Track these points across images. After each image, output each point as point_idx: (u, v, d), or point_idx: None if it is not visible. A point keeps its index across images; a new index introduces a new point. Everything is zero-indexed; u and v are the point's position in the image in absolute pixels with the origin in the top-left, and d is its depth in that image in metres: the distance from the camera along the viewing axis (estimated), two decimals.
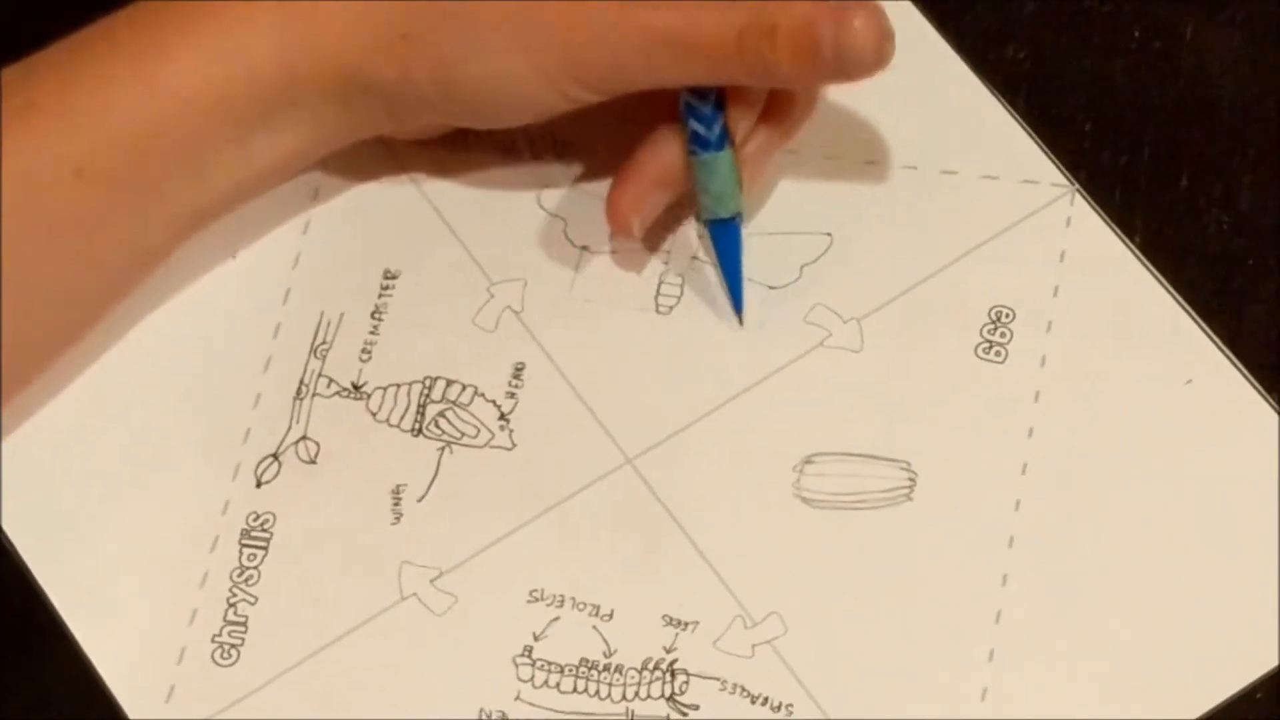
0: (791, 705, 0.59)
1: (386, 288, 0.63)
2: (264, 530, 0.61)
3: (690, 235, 0.64)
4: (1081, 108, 0.66)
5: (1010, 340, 0.63)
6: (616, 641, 0.59)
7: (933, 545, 0.60)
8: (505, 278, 0.63)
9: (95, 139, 0.57)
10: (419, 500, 0.61)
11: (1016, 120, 0.65)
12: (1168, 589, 0.60)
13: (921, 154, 0.65)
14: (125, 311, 0.62)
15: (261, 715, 0.59)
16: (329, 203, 0.64)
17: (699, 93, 0.60)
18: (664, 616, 0.59)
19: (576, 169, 0.65)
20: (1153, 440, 0.61)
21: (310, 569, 0.60)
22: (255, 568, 0.60)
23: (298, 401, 0.62)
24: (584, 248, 0.64)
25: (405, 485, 0.61)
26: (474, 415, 0.62)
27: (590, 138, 0.64)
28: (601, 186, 0.63)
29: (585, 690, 0.59)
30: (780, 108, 0.61)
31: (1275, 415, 0.62)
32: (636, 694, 0.59)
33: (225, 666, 0.59)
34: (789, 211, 0.64)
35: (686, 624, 0.59)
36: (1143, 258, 0.63)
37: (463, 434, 0.62)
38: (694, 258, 0.64)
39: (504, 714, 0.58)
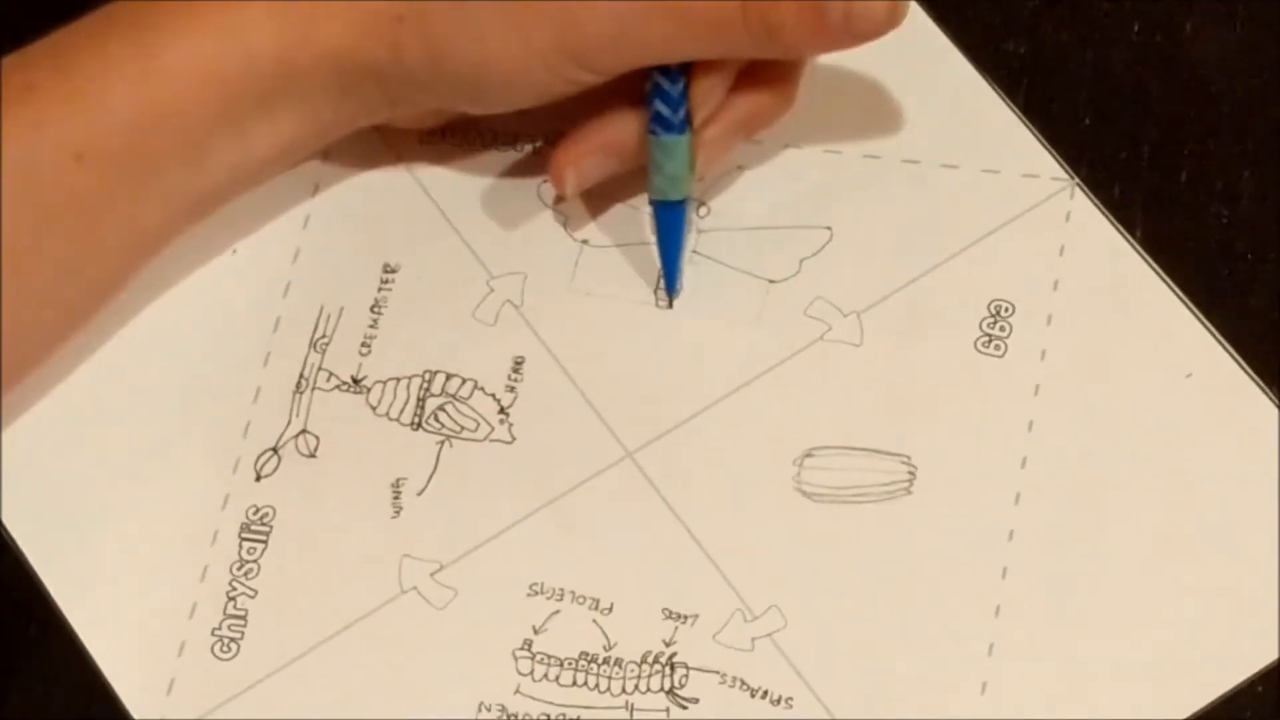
0: (791, 699, 0.59)
1: (386, 282, 0.63)
2: (264, 524, 0.61)
3: (690, 231, 0.64)
4: (1082, 102, 0.66)
5: (1010, 334, 0.63)
6: (616, 635, 0.59)
7: (932, 539, 0.60)
8: (505, 271, 0.63)
9: (94, 123, 0.57)
10: (419, 494, 0.61)
11: (1017, 114, 0.65)
12: (1167, 583, 0.60)
13: (922, 148, 0.65)
14: (125, 305, 0.62)
15: (262, 709, 0.59)
16: (328, 197, 0.64)
17: (668, 74, 0.59)
18: (664, 610, 0.59)
19: None
20: (1152, 434, 0.61)
21: (310, 563, 0.60)
22: (255, 561, 0.60)
23: (297, 395, 0.62)
24: (584, 241, 0.64)
25: (405, 479, 0.61)
26: (474, 409, 0.62)
27: None
28: (602, 182, 0.63)
29: (585, 683, 0.59)
30: (750, 99, 0.61)
31: (1275, 409, 0.62)
32: (636, 687, 0.59)
33: (225, 660, 0.59)
34: (788, 205, 0.64)
35: (686, 617, 0.59)
36: (1143, 252, 0.63)
37: (462, 427, 0.62)
38: (694, 252, 0.64)
39: (504, 707, 0.58)
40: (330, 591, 0.60)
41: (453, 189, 0.64)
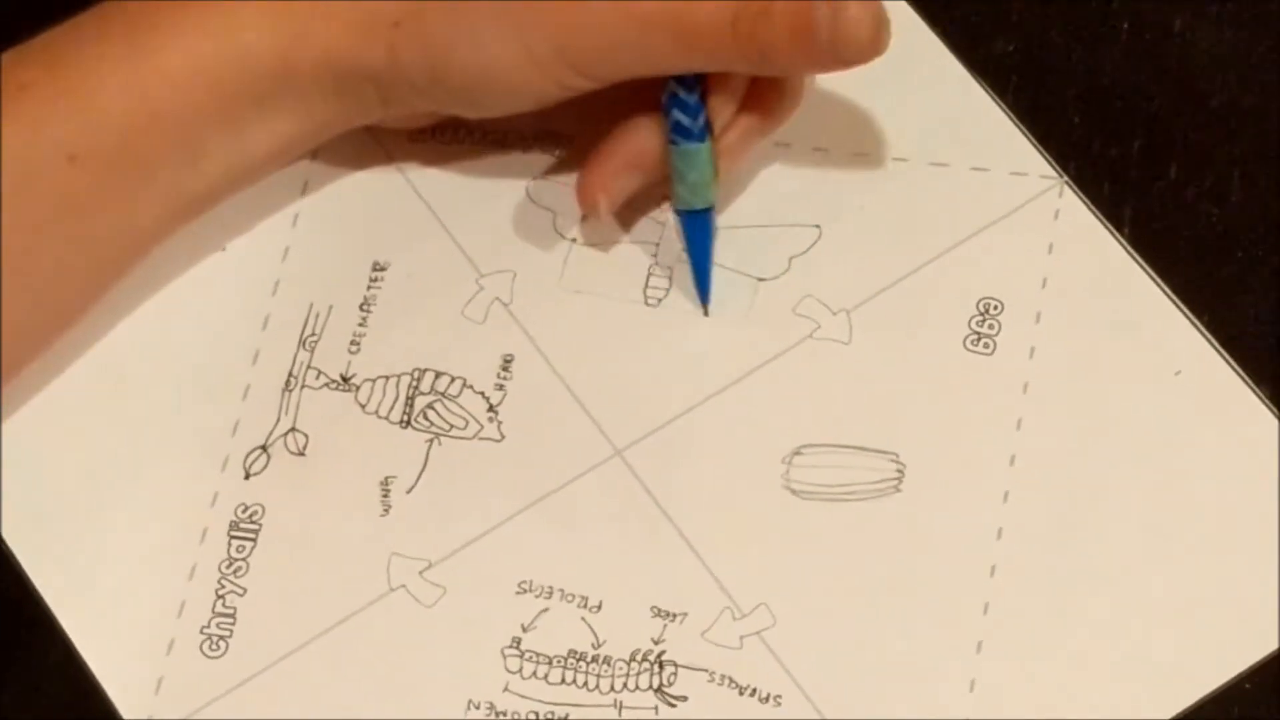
0: (780, 696, 0.59)
1: (375, 280, 0.63)
2: (253, 522, 0.61)
3: (678, 227, 0.64)
4: (1070, 100, 0.66)
5: (999, 332, 0.63)
6: (605, 633, 0.59)
7: (921, 537, 0.60)
8: (494, 269, 0.63)
9: (88, 123, 0.57)
10: (408, 492, 0.61)
11: (1005, 113, 0.65)
12: (1155, 580, 0.60)
13: (911, 146, 0.65)
14: (115, 303, 0.62)
15: (250, 707, 0.59)
16: (318, 195, 0.64)
17: (685, 83, 0.60)
18: (652, 608, 0.59)
19: (566, 161, 0.65)
20: (1141, 431, 0.61)
21: (299, 561, 0.60)
22: (244, 559, 0.60)
23: (286, 393, 0.62)
24: (573, 240, 0.64)
25: (394, 477, 0.61)
26: (463, 407, 0.62)
27: (581, 130, 0.64)
28: None
29: (574, 681, 0.59)
30: (764, 100, 0.61)
31: (1263, 407, 0.62)
32: (625, 685, 0.59)
33: (214, 658, 0.59)
34: (778, 203, 0.64)
35: (675, 615, 0.59)
36: (1131, 250, 0.64)
37: (451, 425, 0.62)
38: (683, 250, 0.64)
39: (492, 705, 0.58)
40: (319, 589, 0.60)
41: (442, 187, 0.64)
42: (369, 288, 0.63)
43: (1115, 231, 0.64)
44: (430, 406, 0.62)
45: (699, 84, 0.60)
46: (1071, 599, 0.59)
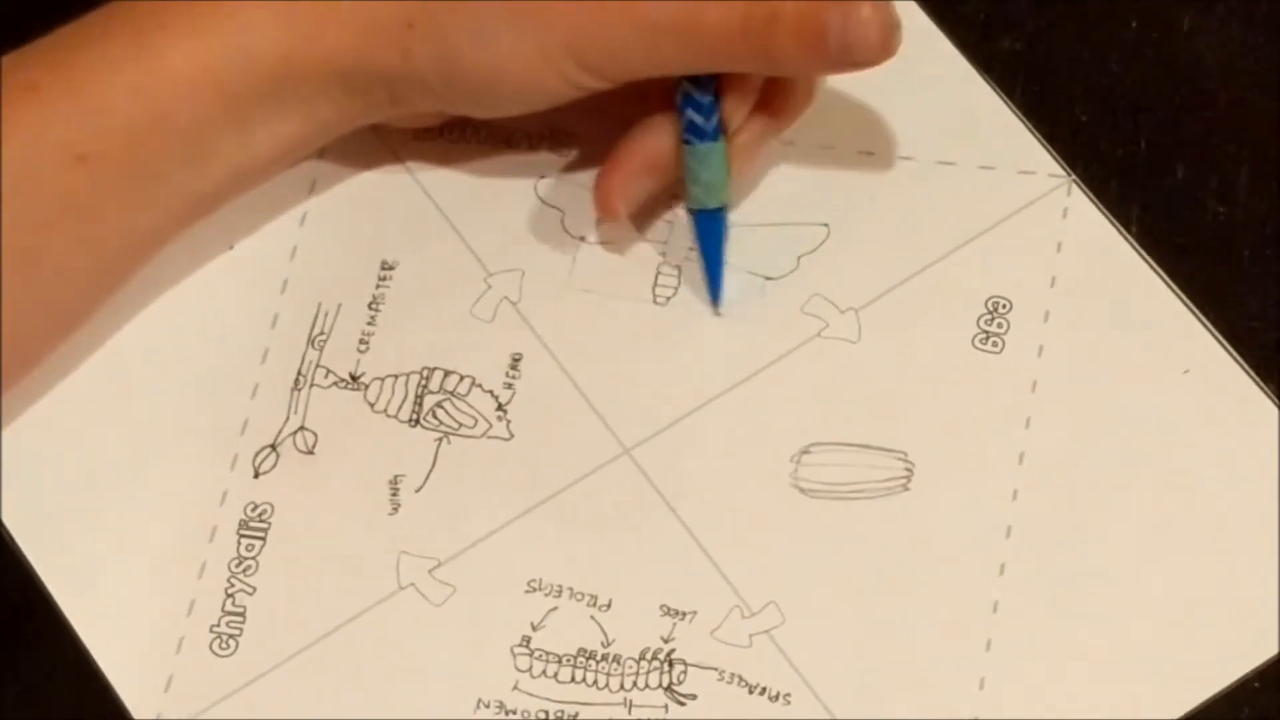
0: (789, 695, 0.59)
1: (384, 279, 0.63)
2: (262, 521, 0.61)
3: (687, 226, 0.64)
4: (1078, 99, 0.66)
5: (1007, 331, 0.63)
6: (614, 631, 0.59)
7: (930, 535, 0.60)
8: (502, 268, 0.63)
9: (96, 124, 0.57)
10: (417, 491, 0.61)
11: (1013, 111, 0.65)
12: (1164, 578, 0.60)
13: (918, 145, 0.65)
14: (124, 303, 0.62)
15: (260, 706, 0.59)
16: (326, 194, 0.64)
17: (698, 83, 0.60)
18: (662, 606, 0.60)
19: (573, 160, 0.65)
20: (1149, 430, 0.61)
21: (308, 559, 0.60)
22: (253, 558, 0.60)
23: (295, 392, 0.62)
24: (581, 238, 0.64)
25: (403, 476, 0.61)
26: (471, 406, 0.62)
27: (588, 128, 0.64)
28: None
29: (583, 680, 0.59)
30: (777, 98, 0.61)
31: (1272, 405, 0.62)
32: (634, 684, 0.59)
33: (223, 657, 0.59)
34: (786, 202, 0.64)
35: (684, 614, 0.59)
36: (1139, 248, 0.64)
37: (460, 424, 0.62)
38: (691, 248, 0.64)
39: (502, 703, 0.59)
40: (328, 588, 0.60)
41: (450, 186, 0.64)
42: (377, 286, 0.63)
43: (1123, 230, 0.64)
44: (439, 405, 0.62)
45: (713, 83, 0.60)
46: (1080, 597, 0.59)
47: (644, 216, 0.64)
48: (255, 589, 0.60)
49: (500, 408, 0.62)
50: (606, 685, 0.59)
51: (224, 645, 0.59)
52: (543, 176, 0.64)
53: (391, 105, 0.60)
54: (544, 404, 0.62)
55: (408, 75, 0.59)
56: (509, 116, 0.61)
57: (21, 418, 0.61)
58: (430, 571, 0.60)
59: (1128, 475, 0.61)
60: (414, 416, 0.62)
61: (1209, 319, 0.63)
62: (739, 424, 0.62)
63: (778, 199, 0.64)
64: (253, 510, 0.61)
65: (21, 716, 0.59)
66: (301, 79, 0.58)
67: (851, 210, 0.64)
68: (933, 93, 0.66)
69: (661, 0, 0.57)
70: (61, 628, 0.59)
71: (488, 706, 0.58)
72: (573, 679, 0.59)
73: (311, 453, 0.61)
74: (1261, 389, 0.62)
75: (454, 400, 0.62)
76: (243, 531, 0.60)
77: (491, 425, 0.62)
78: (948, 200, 0.64)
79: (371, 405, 0.62)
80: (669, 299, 0.63)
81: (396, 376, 0.62)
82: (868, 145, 0.65)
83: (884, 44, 0.58)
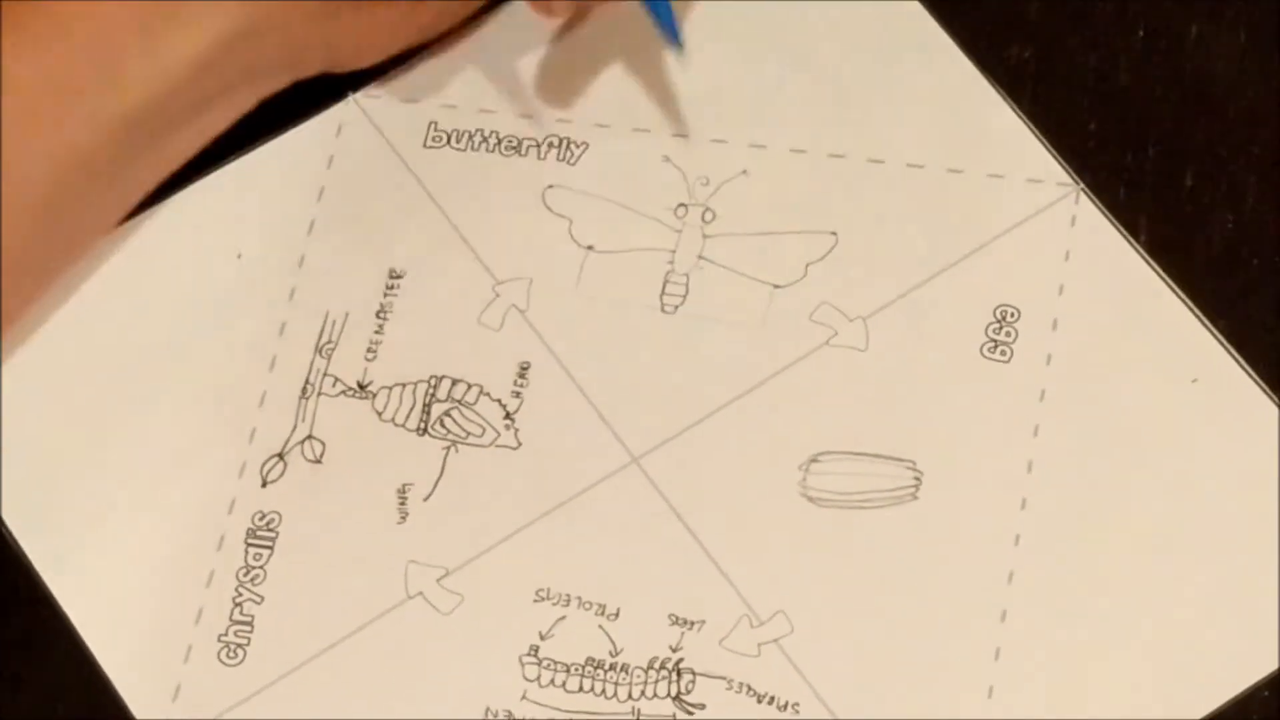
0: (798, 704, 0.59)
1: (391, 287, 0.63)
2: (270, 530, 0.61)
3: (694, 234, 0.64)
4: (1087, 107, 0.66)
5: (1015, 339, 0.63)
6: (623, 641, 0.59)
7: (938, 544, 0.60)
8: (510, 276, 0.63)
9: (11, 46, 0.58)
10: (425, 499, 0.61)
11: (1022, 119, 0.65)
12: (1173, 587, 0.60)
13: (927, 153, 0.65)
14: (131, 312, 0.62)
15: (268, 714, 0.59)
16: (333, 202, 0.64)
17: None
18: (670, 616, 0.60)
19: (581, 169, 0.65)
20: (1158, 439, 0.61)
21: (316, 568, 0.60)
22: (261, 567, 0.60)
23: (303, 401, 0.62)
24: (589, 247, 0.64)
25: (411, 484, 0.61)
26: (479, 414, 0.62)
27: (597, 136, 0.64)
28: (608, 188, 0.64)
29: (591, 689, 0.59)
30: None
31: None
32: (643, 693, 0.59)
33: (231, 666, 0.59)
34: (794, 210, 0.64)
35: (692, 623, 0.59)
36: (1148, 257, 0.64)
37: (468, 433, 0.62)
38: (699, 256, 0.64)
39: (510, 713, 0.58)
40: (336, 597, 0.60)
41: (458, 194, 0.64)
42: (385, 295, 0.63)
43: (1131, 239, 0.64)
44: (447, 414, 0.62)
45: None
46: (1089, 606, 0.59)
47: (649, 223, 0.64)
48: (263, 598, 0.60)
49: (508, 416, 0.62)
50: (615, 695, 0.59)
51: (232, 654, 0.59)
52: (550, 185, 0.64)
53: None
54: (552, 412, 0.62)
55: None
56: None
57: (28, 424, 0.61)
58: (438, 580, 0.60)
59: (1136, 484, 0.61)
60: (422, 425, 0.62)
61: (1217, 328, 0.63)
62: (747, 433, 0.62)
63: (785, 206, 0.64)
64: (261, 519, 0.61)
65: None
66: None
67: (860, 218, 0.64)
68: (941, 101, 0.65)
69: None
70: (69, 636, 0.59)
71: (496, 716, 0.58)
72: (581, 688, 0.59)
73: (319, 461, 0.61)
74: (1270, 398, 0.62)
75: (462, 409, 0.62)
76: (251, 540, 0.60)
77: (499, 434, 0.62)
78: (956, 209, 0.64)
79: (379, 414, 0.62)
80: (677, 307, 0.63)
81: (404, 385, 0.62)
82: (876, 153, 0.65)
83: None
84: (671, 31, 0.62)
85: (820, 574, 0.60)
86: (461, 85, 0.66)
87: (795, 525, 0.60)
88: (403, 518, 0.61)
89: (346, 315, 0.63)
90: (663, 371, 0.62)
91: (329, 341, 0.63)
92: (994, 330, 0.63)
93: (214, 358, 0.62)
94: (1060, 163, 0.65)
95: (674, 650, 0.59)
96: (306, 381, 0.62)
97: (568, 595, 0.60)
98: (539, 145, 0.65)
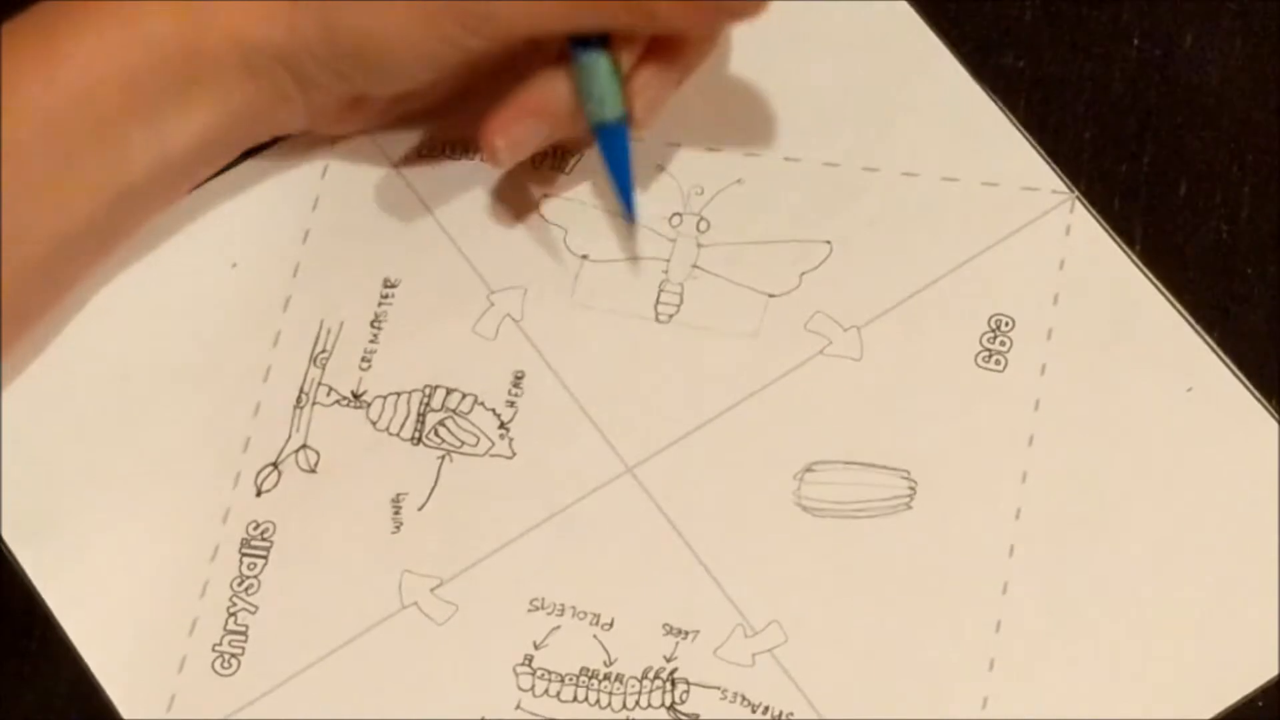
0: (792, 714, 0.59)
1: (386, 296, 0.63)
2: (264, 539, 0.61)
3: (689, 243, 0.64)
4: (1081, 115, 0.66)
5: (1010, 348, 0.63)
6: (617, 650, 0.59)
7: (933, 554, 0.60)
8: (505, 286, 0.63)
9: (9, 112, 0.58)
10: (419, 509, 0.61)
11: (1016, 127, 0.65)
12: (1168, 597, 0.60)
13: (921, 161, 0.65)
14: (122, 321, 0.62)
15: None
16: (328, 211, 0.64)
17: None
18: (664, 625, 0.60)
19: (576, 178, 0.65)
20: (1153, 448, 0.61)
21: (310, 578, 0.60)
22: (255, 577, 0.60)
23: (298, 410, 0.62)
24: (584, 256, 0.64)
25: (405, 494, 0.61)
26: (474, 424, 0.62)
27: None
28: (602, 197, 0.64)
29: (586, 699, 0.59)
30: (671, 48, 0.61)
31: (1275, 423, 0.62)
32: (637, 703, 0.59)
33: (226, 676, 0.59)
34: (788, 218, 0.64)
35: (687, 633, 0.59)
36: (1142, 265, 0.64)
37: (463, 442, 0.62)
38: (694, 266, 0.64)
39: None
40: (331, 607, 0.60)
41: (452, 203, 0.64)
42: (380, 304, 0.63)
43: (1126, 247, 0.64)
44: (441, 423, 0.62)
45: None
46: (1083, 616, 0.59)
47: (643, 232, 0.64)
48: (257, 608, 0.60)
49: (503, 426, 0.62)
50: (609, 704, 0.59)
51: (226, 664, 0.59)
52: (545, 194, 0.64)
53: (297, 87, 0.60)
54: (546, 422, 0.62)
55: (297, 49, 0.59)
56: (409, 88, 0.61)
57: (22, 433, 0.61)
58: (433, 590, 0.60)
59: (1131, 493, 0.61)
60: (416, 434, 0.62)
61: (1212, 337, 0.63)
62: (742, 442, 0.62)
63: (779, 215, 0.64)
64: (255, 529, 0.61)
65: None
66: (201, 63, 0.59)
67: (854, 227, 0.64)
68: (936, 109, 0.65)
69: None
70: (63, 646, 0.59)
71: None
72: (575, 698, 0.59)
73: (314, 471, 0.61)
74: (1264, 407, 0.62)
75: (456, 418, 0.62)
76: (245, 550, 0.60)
77: (494, 443, 0.62)
78: (951, 217, 0.64)
79: (374, 423, 0.62)
80: (671, 316, 0.63)
81: (399, 394, 0.62)
82: (871, 162, 0.65)
83: None
84: (628, 204, 0.62)
85: (815, 584, 0.60)
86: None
87: (790, 535, 0.60)
88: (397, 527, 0.61)
89: (341, 324, 0.63)
90: (657, 381, 0.62)
91: (324, 350, 0.63)
92: (988, 339, 0.63)
93: (208, 367, 0.62)
94: (1055, 171, 0.65)
95: (668, 660, 0.59)
96: (301, 391, 0.62)
97: (562, 605, 0.60)
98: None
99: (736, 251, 0.64)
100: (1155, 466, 0.61)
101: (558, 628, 0.59)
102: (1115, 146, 0.65)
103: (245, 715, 0.59)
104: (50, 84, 0.58)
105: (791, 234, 0.64)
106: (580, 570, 0.60)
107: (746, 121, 0.65)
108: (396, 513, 0.61)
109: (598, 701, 0.59)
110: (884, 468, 0.61)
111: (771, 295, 0.63)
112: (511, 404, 0.62)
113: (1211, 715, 0.58)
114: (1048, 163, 0.65)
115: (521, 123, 0.61)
